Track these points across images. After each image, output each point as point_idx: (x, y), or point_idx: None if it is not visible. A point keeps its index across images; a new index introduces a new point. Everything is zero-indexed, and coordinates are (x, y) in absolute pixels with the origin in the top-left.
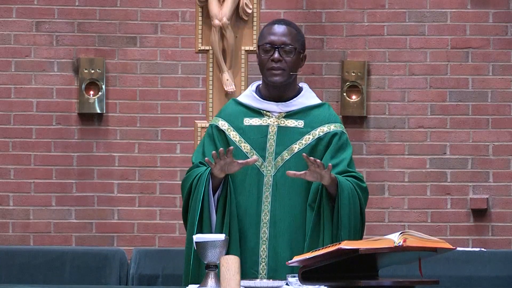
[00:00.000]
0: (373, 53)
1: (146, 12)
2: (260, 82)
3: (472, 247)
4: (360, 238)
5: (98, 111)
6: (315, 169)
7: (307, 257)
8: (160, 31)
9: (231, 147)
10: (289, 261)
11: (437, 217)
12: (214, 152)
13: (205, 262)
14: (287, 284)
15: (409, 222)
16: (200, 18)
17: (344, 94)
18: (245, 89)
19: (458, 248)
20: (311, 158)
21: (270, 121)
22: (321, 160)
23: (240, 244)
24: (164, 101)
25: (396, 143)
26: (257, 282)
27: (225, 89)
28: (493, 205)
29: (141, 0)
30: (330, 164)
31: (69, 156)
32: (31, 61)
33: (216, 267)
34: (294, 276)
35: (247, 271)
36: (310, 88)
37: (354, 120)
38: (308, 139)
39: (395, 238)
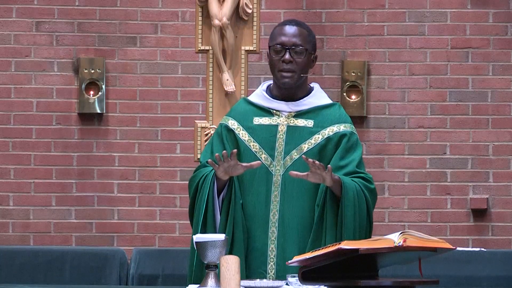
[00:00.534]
0: (373, 53)
1: (146, 12)
2: (270, 81)
3: (472, 247)
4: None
5: (98, 111)
6: (315, 170)
7: (307, 257)
8: (160, 31)
9: (235, 150)
10: (289, 261)
11: (437, 217)
12: (217, 154)
13: (205, 262)
14: (287, 284)
15: (409, 222)
16: (200, 18)
17: (344, 94)
18: (245, 89)
19: (458, 248)
20: (310, 159)
21: (280, 120)
22: (330, 160)
23: (248, 244)
24: (164, 101)
25: (396, 143)
26: (257, 282)
27: (225, 89)
28: (493, 205)
29: (141, 0)
30: (329, 166)
31: (69, 156)
32: (31, 61)
33: (216, 267)
34: (294, 276)
35: (256, 271)
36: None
37: (354, 120)
38: (317, 138)
39: (395, 238)
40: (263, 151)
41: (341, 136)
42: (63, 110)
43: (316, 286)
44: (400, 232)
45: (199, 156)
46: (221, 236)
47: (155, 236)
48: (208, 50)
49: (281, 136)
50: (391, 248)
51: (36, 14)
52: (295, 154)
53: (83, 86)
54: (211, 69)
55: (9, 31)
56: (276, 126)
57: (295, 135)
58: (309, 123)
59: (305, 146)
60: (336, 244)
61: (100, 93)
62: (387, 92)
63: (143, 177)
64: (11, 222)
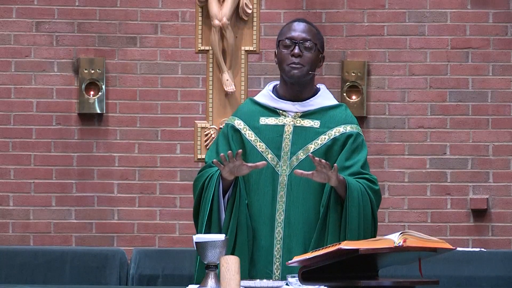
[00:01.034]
0: (373, 53)
1: (146, 12)
2: (277, 82)
3: (472, 247)
4: None
5: (98, 111)
6: (321, 169)
7: (307, 257)
8: (160, 31)
9: (240, 150)
10: (289, 261)
11: (437, 217)
12: (222, 154)
13: (205, 262)
14: (287, 284)
15: (409, 222)
16: (200, 18)
17: (344, 94)
18: (245, 89)
19: (458, 248)
20: (317, 158)
21: (286, 120)
22: (335, 160)
23: (254, 244)
24: (164, 101)
25: (396, 143)
26: (257, 282)
27: (225, 89)
28: (493, 205)
29: (141, 0)
30: (335, 164)
31: (69, 156)
32: (31, 61)
33: (216, 267)
34: (294, 277)
35: (262, 270)
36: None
37: None
38: (323, 139)
39: (395, 238)
40: (270, 151)
41: (347, 136)
42: (63, 110)
43: (316, 286)
44: (400, 232)
45: (199, 156)
46: (221, 236)
47: (155, 236)
48: (208, 50)
49: (288, 137)
50: (391, 248)
51: (36, 14)
52: (301, 155)
53: (83, 86)
54: (211, 69)
55: (9, 31)
56: (283, 126)
57: (302, 136)
58: (316, 123)
59: (312, 147)
60: (336, 244)
61: (100, 93)
62: (387, 92)
63: (143, 177)
64: (11, 222)
